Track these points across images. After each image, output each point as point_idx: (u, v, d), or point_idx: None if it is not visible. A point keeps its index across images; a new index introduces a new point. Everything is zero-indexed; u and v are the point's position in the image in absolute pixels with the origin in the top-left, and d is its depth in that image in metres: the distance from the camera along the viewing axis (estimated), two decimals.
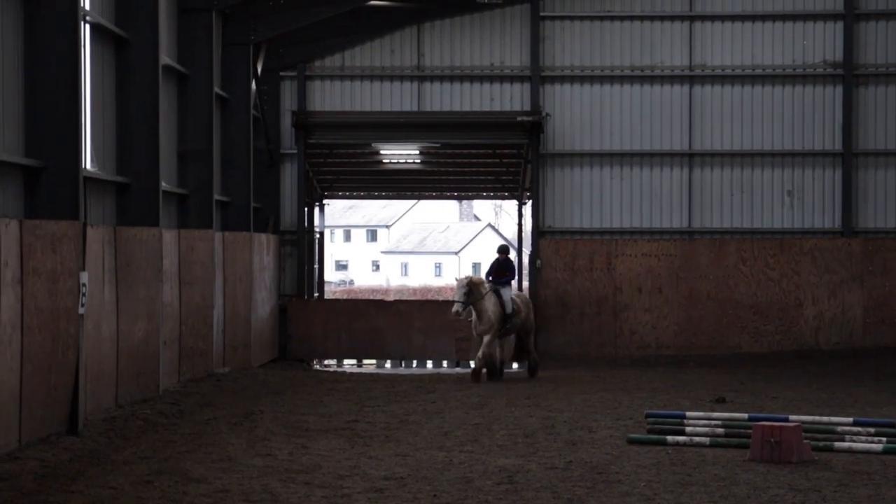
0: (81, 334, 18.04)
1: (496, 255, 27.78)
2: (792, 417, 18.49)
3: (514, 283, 31.68)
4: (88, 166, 20.92)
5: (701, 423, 18.70)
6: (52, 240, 17.35)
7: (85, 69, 20.32)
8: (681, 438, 17.75)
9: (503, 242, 28.97)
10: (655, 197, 33.21)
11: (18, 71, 18.08)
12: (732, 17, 33.10)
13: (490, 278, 27.18)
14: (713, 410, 20.86)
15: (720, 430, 18.02)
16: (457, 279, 26.50)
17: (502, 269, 27.22)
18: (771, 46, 33.11)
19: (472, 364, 26.94)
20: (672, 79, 33.18)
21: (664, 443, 17.64)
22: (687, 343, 32.56)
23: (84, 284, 18.05)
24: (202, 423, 19.64)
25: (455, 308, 26.16)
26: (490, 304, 26.34)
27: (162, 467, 15.62)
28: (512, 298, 26.99)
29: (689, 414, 19.41)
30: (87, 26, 20.93)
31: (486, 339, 26.36)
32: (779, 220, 33.21)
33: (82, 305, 17.99)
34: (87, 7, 20.72)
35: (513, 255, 28.41)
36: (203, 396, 23.01)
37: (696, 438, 17.72)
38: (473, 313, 26.35)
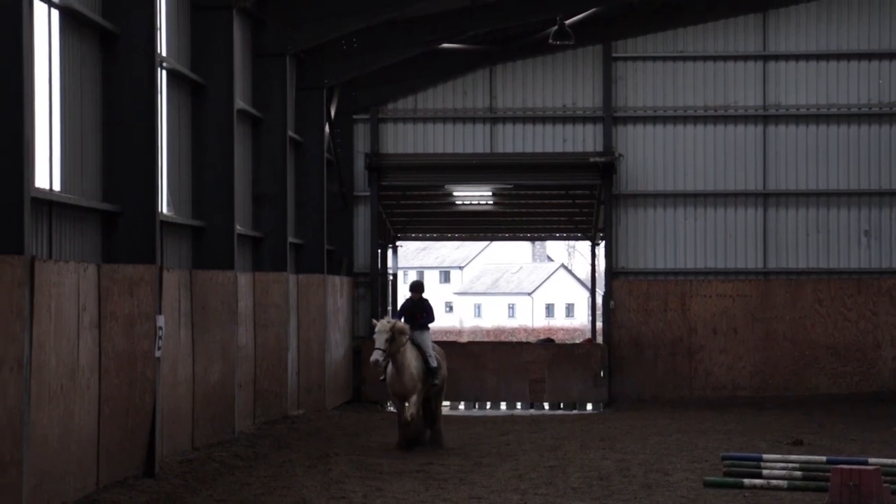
0: (158, 377, 18.17)
1: (409, 294, 23.42)
2: (871, 460, 18.24)
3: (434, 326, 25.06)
4: (165, 210, 21.13)
5: (778, 465, 18.49)
6: (129, 283, 17.52)
7: (161, 114, 20.56)
8: (758, 481, 17.56)
9: (417, 280, 24.37)
10: (730, 237, 33.01)
11: (96, 116, 18.32)
12: (807, 57, 32.91)
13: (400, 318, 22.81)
14: (790, 453, 20.63)
15: (798, 473, 17.81)
16: (376, 322, 22.09)
17: (417, 310, 22.83)
18: (846, 85, 32.87)
19: (400, 429, 22.41)
20: (746, 118, 33.02)
21: (741, 486, 17.47)
22: (763, 384, 32.27)
23: (160, 328, 18.21)
24: (277, 466, 19.69)
25: (374, 356, 21.58)
26: (412, 357, 22.14)
27: None
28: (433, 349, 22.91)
29: (766, 456, 19.20)
30: (164, 72, 21.17)
31: (413, 398, 21.98)
32: (856, 260, 32.88)
33: (159, 348, 18.13)
34: (164, 53, 20.97)
35: (427, 294, 23.95)
36: (278, 439, 23.07)
37: (774, 481, 17.53)
38: (391, 366, 21.97)
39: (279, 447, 21.92)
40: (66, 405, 15.53)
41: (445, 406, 33.94)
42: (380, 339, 21.62)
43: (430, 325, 23.03)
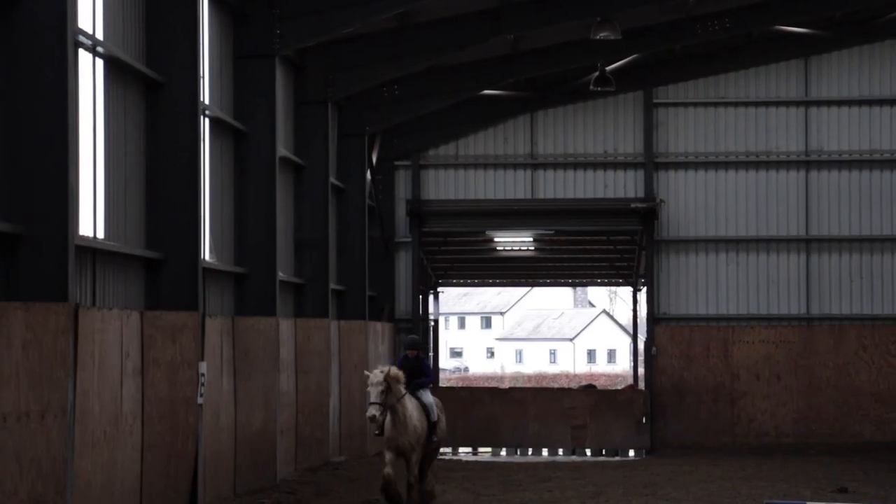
0: (200, 424, 18.21)
1: (403, 352, 21.07)
2: None
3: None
4: (207, 257, 21.23)
5: None
6: (172, 331, 17.59)
7: (204, 162, 20.68)
8: None
9: (413, 336, 22.59)
10: (773, 283, 32.84)
11: (140, 164, 18.46)
12: (849, 102, 32.80)
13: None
14: (835, 501, 20.45)
15: None
16: (368, 374, 19.56)
17: (413, 371, 20.14)
18: (889, 130, 32.72)
19: (387, 487, 19.44)
20: (788, 164, 32.91)
21: None
22: (807, 431, 32.02)
23: (203, 374, 18.26)
24: None
25: (371, 412, 19.01)
26: (412, 408, 19.79)
27: None
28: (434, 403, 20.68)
29: None
30: (207, 120, 21.31)
31: (414, 457, 19.71)
32: None
33: (201, 395, 18.18)
34: (207, 101, 21.11)
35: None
36: (320, 486, 23.04)
37: None
38: (389, 419, 19.47)
39: (321, 494, 21.88)
40: (109, 452, 15.58)
41: (486, 452, 33.87)
42: (374, 393, 19.15)
43: (430, 385, 20.89)
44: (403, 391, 19.48)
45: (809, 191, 32.89)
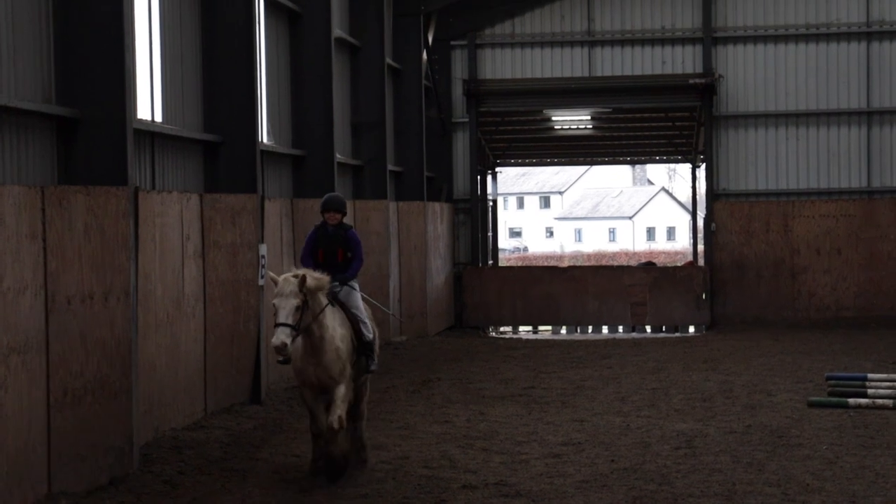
0: (261, 305, 18.40)
1: (320, 220, 14.51)
2: None
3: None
4: (265, 140, 21.29)
5: (884, 385, 18.36)
6: (232, 213, 17.73)
7: (260, 44, 20.66)
8: (863, 401, 17.46)
9: (334, 193, 15.45)
10: (833, 157, 32.54)
11: (196, 48, 18.46)
12: None
13: (309, 265, 13.98)
14: None
15: None
16: (274, 277, 13.40)
17: (336, 244, 14.19)
18: None
19: (319, 443, 13.55)
20: (849, 36, 32.43)
21: (846, 405, 17.38)
22: (868, 304, 31.89)
23: (263, 256, 18.42)
24: (381, 392, 19.90)
25: (279, 339, 12.70)
26: (334, 322, 13.52)
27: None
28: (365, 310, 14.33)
29: (871, 376, 19.07)
30: (261, 1, 21.24)
31: (340, 391, 13.32)
32: None
33: (262, 277, 18.35)
34: None
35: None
36: (381, 365, 23.26)
37: (879, 401, 17.42)
38: (300, 341, 13.21)
39: (383, 373, 22.12)
40: (172, 333, 15.81)
41: (546, 330, 33.99)
42: (284, 310, 12.95)
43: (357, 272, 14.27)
44: (325, 302, 13.39)
45: (871, 62, 32.41)
